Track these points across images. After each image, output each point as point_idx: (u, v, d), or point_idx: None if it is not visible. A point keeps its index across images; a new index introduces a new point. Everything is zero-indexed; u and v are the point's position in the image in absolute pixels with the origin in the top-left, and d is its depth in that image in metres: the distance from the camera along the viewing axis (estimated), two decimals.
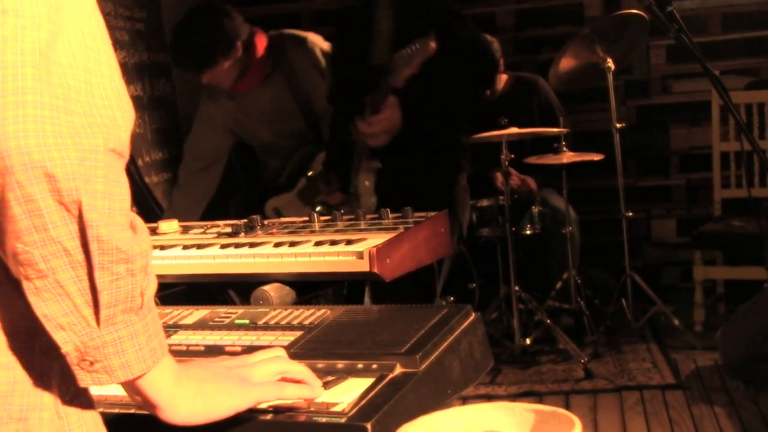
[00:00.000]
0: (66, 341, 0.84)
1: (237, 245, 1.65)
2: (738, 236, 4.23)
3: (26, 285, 0.82)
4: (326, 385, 1.12)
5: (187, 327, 1.42)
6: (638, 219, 5.01)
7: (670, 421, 3.34)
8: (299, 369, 1.10)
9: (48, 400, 0.88)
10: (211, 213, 3.54)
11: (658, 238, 5.38)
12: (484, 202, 4.11)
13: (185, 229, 1.88)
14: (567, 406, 3.55)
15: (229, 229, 1.79)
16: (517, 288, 3.90)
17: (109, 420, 0.98)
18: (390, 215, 1.72)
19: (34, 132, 0.78)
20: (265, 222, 1.82)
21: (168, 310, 1.51)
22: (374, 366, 1.16)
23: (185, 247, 1.70)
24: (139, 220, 0.87)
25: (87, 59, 0.82)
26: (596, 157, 4.06)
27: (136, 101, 4.23)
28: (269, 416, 1.07)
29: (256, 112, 3.45)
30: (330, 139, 3.13)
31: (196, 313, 1.47)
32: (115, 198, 0.83)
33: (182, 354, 1.31)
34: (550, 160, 4.02)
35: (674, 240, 5.30)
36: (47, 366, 0.88)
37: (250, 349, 1.25)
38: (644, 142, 5.39)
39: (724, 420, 3.29)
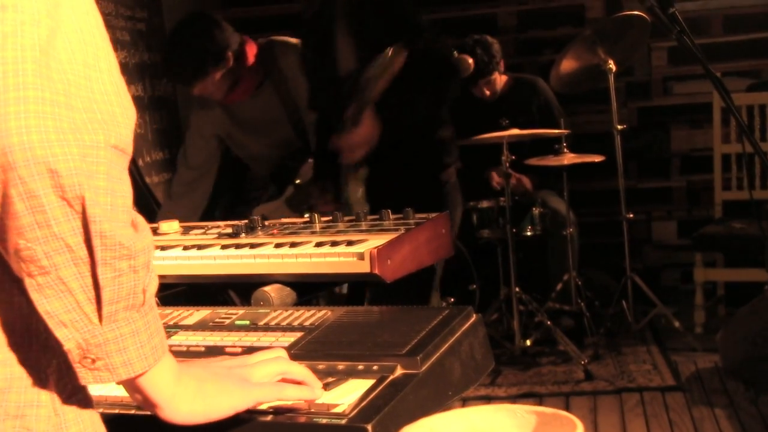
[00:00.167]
0: (68, 338, 0.84)
1: (238, 246, 1.65)
2: (739, 238, 4.23)
3: (28, 282, 0.82)
4: (327, 386, 1.12)
5: (187, 328, 1.42)
6: (639, 221, 5.01)
7: (670, 423, 3.33)
8: (299, 370, 1.10)
9: (45, 397, 0.87)
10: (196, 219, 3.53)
11: (658, 239, 5.38)
12: (485, 204, 4.12)
13: (186, 230, 1.87)
14: (567, 408, 3.55)
15: (229, 230, 1.78)
16: (517, 289, 3.90)
17: (110, 420, 0.98)
18: (391, 216, 1.72)
19: (36, 128, 0.77)
20: (266, 223, 1.82)
21: (168, 310, 1.50)
22: (375, 367, 1.16)
23: (186, 248, 1.70)
24: (140, 218, 0.87)
25: (86, 55, 0.82)
26: (597, 158, 4.06)
27: (137, 101, 4.23)
28: (269, 417, 1.07)
29: (247, 123, 3.44)
30: (316, 148, 3.13)
31: (196, 314, 1.47)
32: (117, 194, 0.82)
33: (182, 355, 1.31)
34: (551, 161, 4.02)
35: (675, 242, 5.30)
36: (45, 363, 0.88)
37: (250, 350, 1.25)
38: (645, 143, 5.39)
39: (725, 422, 3.28)
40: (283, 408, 1.08)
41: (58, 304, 0.82)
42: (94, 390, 0.93)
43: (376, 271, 1.46)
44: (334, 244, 1.56)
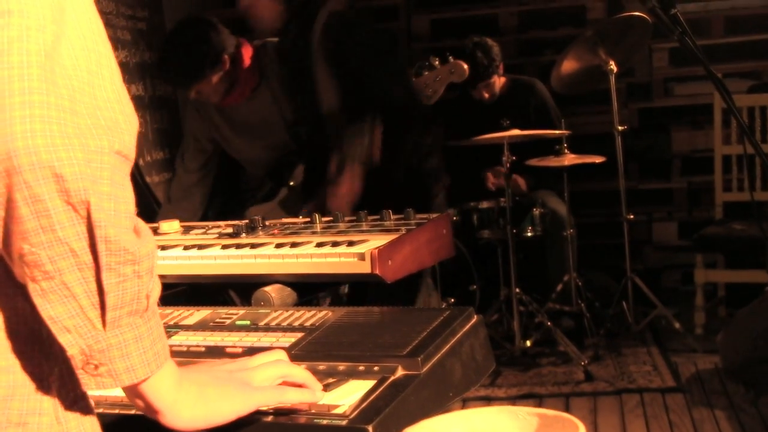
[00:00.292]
0: (72, 344, 0.83)
1: (238, 246, 1.65)
2: (739, 239, 4.23)
3: (32, 287, 0.81)
4: (327, 387, 1.11)
5: (188, 328, 1.41)
6: (639, 222, 5.00)
7: (670, 425, 3.33)
8: (300, 373, 1.10)
9: (47, 404, 0.87)
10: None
11: (659, 241, 5.38)
12: (485, 204, 4.11)
13: (186, 230, 1.87)
14: (567, 409, 3.55)
15: (230, 230, 1.78)
16: (517, 290, 3.90)
17: (110, 421, 0.98)
18: (392, 216, 1.72)
19: (42, 132, 0.77)
20: (267, 223, 1.82)
21: (169, 310, 1.50)
22: (376, 368, 1.16)
23: (186, 248, 1.69)
24: (142, 224, 0.87)
25: (89, 62, 0.82)
26: (597, 159, 4.06)
27: (138, 101, 4.23)
28: (270, 418, 1.07)
29: (243, 127, 3.44)
30: (307, 157, 3.12)
31: (197, 314, 1.47)
32: (120, 200, 0.82)
33: (183, 355, 1.30)
34: (552, 162, 4.02)
35: (675, 243, 5.30)
36: (47, 371, 0.87)
37: (251, 351, 1.24)
38: (646, 144, 5.39)
39: (724, 423, 3.28)
40: (283, 409, 1.08)
41: (62, 309, 0.82)
42: (95, 390, 0.93)
43: (377, 272, 1.46)
44: (335, 244, 1.56)
